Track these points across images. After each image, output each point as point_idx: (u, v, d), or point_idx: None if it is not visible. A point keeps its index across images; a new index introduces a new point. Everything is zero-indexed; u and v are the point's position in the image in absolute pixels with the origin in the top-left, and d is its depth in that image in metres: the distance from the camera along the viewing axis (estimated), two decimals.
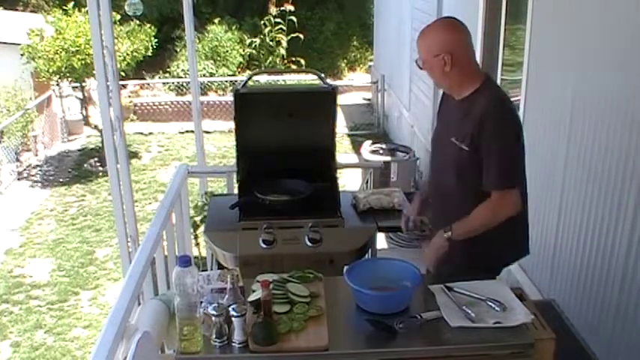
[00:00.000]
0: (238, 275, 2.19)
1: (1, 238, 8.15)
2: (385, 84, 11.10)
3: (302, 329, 2.04)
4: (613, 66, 3.08)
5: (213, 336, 1.99)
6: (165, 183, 9.33)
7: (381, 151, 6.99)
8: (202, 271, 2.48)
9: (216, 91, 13.69)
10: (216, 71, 14.22)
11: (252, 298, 2.15)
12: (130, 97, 13.29)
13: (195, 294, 1.96)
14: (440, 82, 2.51)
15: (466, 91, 2.42)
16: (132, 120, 12.69)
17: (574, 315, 2.96)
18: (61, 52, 10.06)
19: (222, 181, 5.31)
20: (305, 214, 3.02)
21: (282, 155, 3.12)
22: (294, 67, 13.43)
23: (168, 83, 13.94)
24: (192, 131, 8.64)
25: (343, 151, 10.21)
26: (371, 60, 14.41)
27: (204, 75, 13.63)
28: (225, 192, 4.57)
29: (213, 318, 1.98)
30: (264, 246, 2.89)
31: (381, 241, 5.50)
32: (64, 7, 10.59)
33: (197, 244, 5.49)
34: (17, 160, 10.73)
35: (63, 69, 10.21)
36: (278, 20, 13.65)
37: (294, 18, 13.46)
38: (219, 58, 14.51)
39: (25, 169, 10.78)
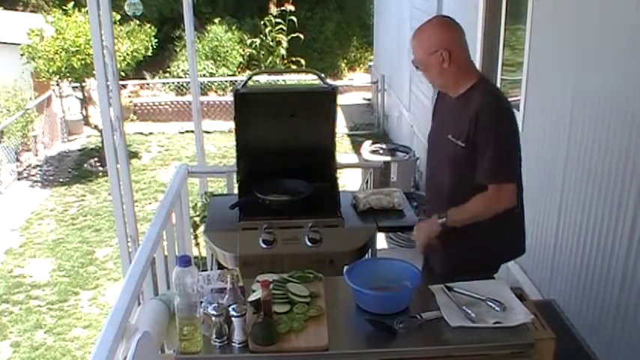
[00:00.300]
0: (238, 275, 2.19)
1: (1, 238, 8.15)
2: (385, 84, 11.11)
3: (302, 329, 2.04)
4: (613, 66, 3.08)
5: (213, 336, 1.99)
6: (165, 183, 9.33)
7: (381, 151, 6.99)
8: (202, 271, 2.48)
9: (216, 91, 13.69)
10: (216, 71, 14.22)
11: (252, 298, 2.15)
12: (130, 97, 13.29)
13: (195, 294, 1.96)
14: (436, 81, 2.50)
15: (462, 88, 2.43)
16: (132, 120, 12.69)
17: (574, 315, 2.96)
18: (61, 52, 10.06)
19: (222, 181, 5.31)
20: (305, 214, 3.01)
21: (282, 155, 3.12)
22: (294, 67, 13.43)
23: (168, 83, 13.95)
24: (192, 131, 8.64)
25: (343, 151, 10.21)
26: (371, 60, 14.42)
27: (204, 75, 13.63)
28: (225, 192, 4.57)
29: (213, 318, 1.97)
30: (264, 246, 2.89)
31: (381, 241, 5.50)
32: (64, 7, 10.60)
33: (197, 244, 5.49)
34: (17, 160, 10.73)
35: (63, 69, 10.22)
36: (278, 20, 13.66)
37: (294, 18, 13.46)
38: (219, 58, 14.51)
39: (25, 169, 10.78)
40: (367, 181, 4.92)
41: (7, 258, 7.67)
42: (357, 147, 9.47)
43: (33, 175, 10.63)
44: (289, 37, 13.76)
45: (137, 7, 9.82)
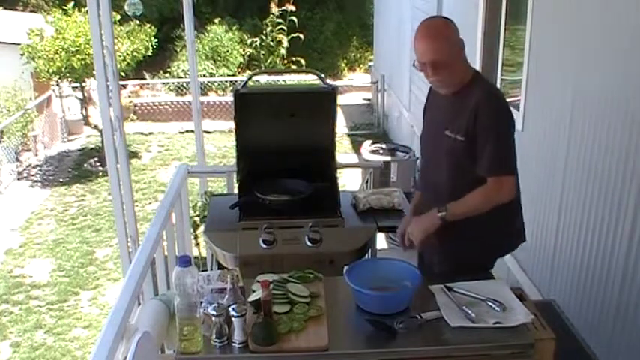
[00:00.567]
0: (238, 275, 2.19)
1: (1, 238, 8.15)
2: (385, 84, 11.10)
3: (302, 329, 2.04)
4: (613, 66, 3.08)
5: (213, 336, 1.99)
6: (165, 183, 9.33)
7: (381, 151, 6.98)
8: (202, 271, 2.48)
9: (216, 91, 13.69)
10: (216, 71, 14.22)
11: (252, 298, 2.15)
12: (130, 97, 13.29)
13: (195, 294, 1.96)
14: (453, 78, 2.42)
15: (460, 84, 2.44)
16: (132, 120, 12.69)
17: (574, 315, 2.96)
18: (61, 52, 10.06)
19: (222, 181, 5.31)
20: (305, 214, 3.02)
21: (282, 155, 3.12)
22: (294, 67, 13.43)
23: (168, 83, 13.94)
24: (192, 131, 8.64)
25: (343, 151, 10.21)
26: (371, 60, 14.42)
27: (204, 75, 13.63)
28: (225, 192, 4.57)
29: (213, 318, 1.97)
30: (264, 246, 2.89)
31: (381, 241, 5.50)
32: (64, 7, 10.60)
33: (197, 244, 5.49)
34: (17, 160, 10.73)
35: (63, 69, 10.22)
36: (279, 20, 13.65)
37: (294, 18, 13.46)
38: (219, 58, 14.51)
39: (25, 169, 10.78)
40: (367, 181, 4.92)
41: (7, 258, 7.67)
42: (357, 147, 9.46)
43: (33, 175, 10.63)
44: (290, 37, 13.76)
45: (137, 7, 9.81)
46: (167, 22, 15.31)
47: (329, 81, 3.39)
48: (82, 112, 12.62)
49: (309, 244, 2.91)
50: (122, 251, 3.71)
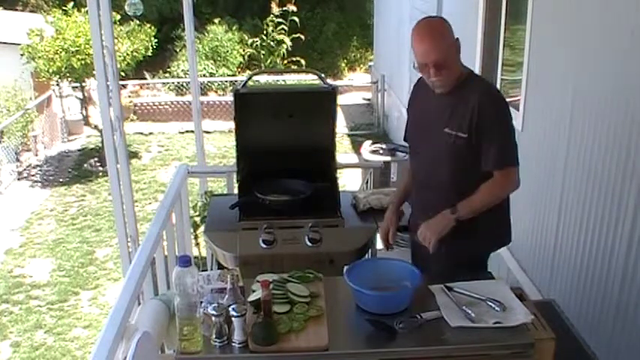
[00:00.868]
0: (238, 275, 2.19)
1: (1, 238, 8.15)
2: (385, 84, 11.11)
3: (302, 329, 2.04)
4: (613, 66, 3.08)
5: (213, 336, 1.99)
6: (165, 183, 9.33)
7: (381, 151, 6.98)
8: (202, 271, 2.48)
9: (216, 91, 13.70)
10: (217, 71, 14.22)
11: (252, 298, 2.15)
12: (130, 97, 13.29)
13: (195, 294, 1.96)
14: (450, 76, 2.42)
15: (455, 83, 2.44)
16: (132, 120, 12.70)
17: (574, 315, 2.96)
18: (61, 52, 10.06)
19: (222, 181, 5.31)
20: (305, 214, 3.02)
21: (282, 155, 3.12)
22: (294, 67, 13.43)
23: (168, 83, 13.95)
24: (192, 131, 8.64)
25: (343, 151, 10.21)
26: (371, 60, 14.42)
27: (204, 75, 13.63)
28: (225, 192, 4.57)
29: (213, 318, 1.97)
30: (264, 246, 2.89)
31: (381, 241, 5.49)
32: (64, 7, 10.60)
33: (197, 244, 5.49)
34: (17, 160, 10.73)
35: (63, 69, 10.22)
36: (280, 20, 13.65)
37: (295, 18, 13.46)
38: (219, 58, 14.51)
39: (25, 169, 10.78)
40: (367, 181, 4.92)
41: (7, 258, 7.67)
42: (357, 147, 9.46)
43: (33, 175, 10.63)
44: (291, 37, 13.76)
45: (137, 7, 9.81)
46: (167, 22, 15.31)
47: (329, 81, 3.39)
48: (82, 112, 12.62)
49: (309, 244, 2.91)
50: (122, 251, 3.71)
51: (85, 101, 12.33)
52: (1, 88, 11.11)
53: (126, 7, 9.90)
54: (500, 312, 2.09)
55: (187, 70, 10.54)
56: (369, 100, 13.54)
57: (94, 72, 3.54)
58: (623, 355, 2.91)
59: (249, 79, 3.30)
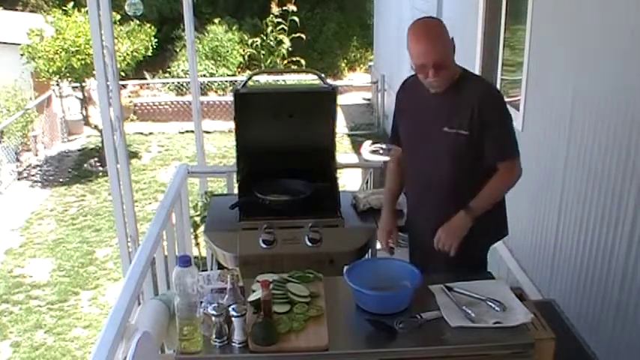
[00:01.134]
0: (238, 275, 2.19)
1: (1, 238, 8.15)
2: (385, 84, 11.10)
3: (302, 329, 2.04)
4: (613, 66, 3.08)
5: (213, 336, 1.99)
6: (165, 183, 9.33)
7: (381, 151, 6.99)
8: (202, 271, 2.48)
9: (216, 91, 13.69)
10: (217, 71, 14.22)
11: (252, 298, 2.15)
12: (130, 97, 13.30)
13: (195, 294, 1.96)
14: (447, 74, 2.41)
15: (451, 82, 2.44)
16: (132, 120, 12.70)
17: (574, 315, 2.96)
18: (61, 52, 10.06)
19: (222, 181, 5.30)
20: (305, 214, 3.02)
21: (282, 155, 3.12)
22: (294, 67, 13.43)
23: (168, 83, 13.94)
24: (192, 131, 8.65)
25: (343, 151, 10.21)
26: (371, 60, 14.42)
27: (204, 75, 13.63)
28: (225, 192, 4.57)
29: (213, 318, 1.97)
30: (264, 246, 2.89)
31: None
32: (64, 7, 10.60)
33: (197, 244, 5.49)
34: (17, 160, 10.73)
35: (63, 69, 10.22)
36: (280, 20, 13.65)
37: (295, 18, 13.46)
38: (219, 58, 14.51)
39: (25, 169, 10.78)
40: (367, 181, 4.92)
41: (7, 258, 7.67)
42: (357, 147, 9.47)
43: (33, 175, 10.63)
44: (291, 37, 13.76)
45: (137, 7, 9.81)
46: (167, 22, 15.31)
47: (329, 81, 3.39)
48: (82, 112, 12.63)
49: (309, 244, 2.91)
50: (122, 251, 3.71)
51: (85, 101, 12.33)
52: (1, 88, 11.11)
53: (126, 7, 9.90)
54: (500, 312, 2.09)
55: (187, 70, 10.54)
56: (369, 100, 13.54)
57: (94, 72, 3.54)
58: (623, 355, 2.92)
59: (249, 79, 3.30)
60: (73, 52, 10.03)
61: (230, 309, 1.97)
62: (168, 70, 14.52)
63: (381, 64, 11.99)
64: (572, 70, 3.54)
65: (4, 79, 11.08)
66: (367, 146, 7.15)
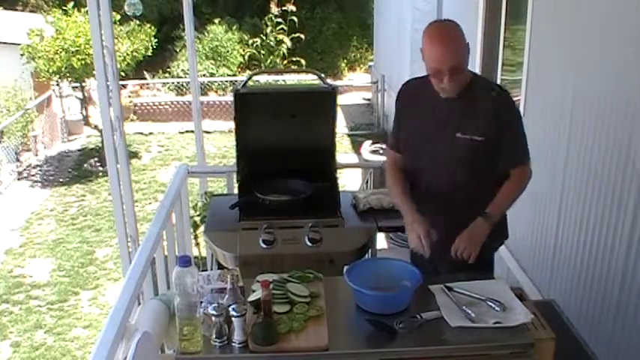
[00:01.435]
0: (238, 275, 2.19)
1: (1, 238, 8.15)
2: (385, 84, 11.10)
3: (302, 329, 2.04)
4: (613, 66, 3.08)
5: (213, 336, 1.99)
6: (165, 183, 9.33)
7: (381, 151, 6.99)
8: (202, 271, 2.48)
9: (216, 91, 13.69)
10: (217, 71, 14.22)
11: (252, 298, 2.15)
12: (130, 97, 13.29)
13: (195, 294, 1.96)
14: (461, 79, 2.37)
15: (463, 85, 2.41)
16: (132, 120, 12.70)
17: (574, 315, 2.96)
18: (61, 52, 10.07)
19: (222, 181, 5.30)
20: (305, 214, 3.02)
21: (282, 155, 3.11)
22: (294, 67, 13.43)
23: (168, 83, 13.95)
24: (192, 131, 8.65)
25: (343, 151, 10.21)
26: (371, 60, 14.42)
27: (204, 75, 13.63)
28: (225, 192, 4.57)
29: (213, 318, 1.97)
30: (264, 246, 2.89)
31: (381, 241, 5.50)
32: (64, 7, 10.60)
33: (197, 244, 5.49)
34: (17, 160, 10.74)
35: (63, 69, 10.22)
36: (279, 20, 13.65)
37: (295, 18, 13.46)
38: (219, 58, 14.51)
39: (25, 169, 10.78)
40: (367, 181, 4.92)
41: (7, 258, 7.67)
42: (357, 147, 9.47)
43: (33, 175, 10.63)
44: (290, 37, 13.76)
45: (137, 7, 9.82)
46: (167, 22, 15.32)
47: (329, 81, 3.39)
48: (82, 112, 12.63)
49: (309, 244, 2.91)
50: (122, 251, 3.71)
51: (85, 101, 12.33)
52: (1, 88, 11.11)
53: (126, 7, 9.91)
54: (500, 312, 2.09)
55: (187, 70, 10.54)
56: (369, 100, 13.55)
57: (94, 72, 3.54)
58: (623, 355, 2.92)
59: (249, 79, 3.30)
60: (73, 52, 10.03)
61: (230, 309, 1.97)
62: (168, 70, 14.52)
63: (381, 64, 11.99)
64: (572, 70, 3.54)
65: (4, 79, 11.08)
66: (367, 146, 7.15)
